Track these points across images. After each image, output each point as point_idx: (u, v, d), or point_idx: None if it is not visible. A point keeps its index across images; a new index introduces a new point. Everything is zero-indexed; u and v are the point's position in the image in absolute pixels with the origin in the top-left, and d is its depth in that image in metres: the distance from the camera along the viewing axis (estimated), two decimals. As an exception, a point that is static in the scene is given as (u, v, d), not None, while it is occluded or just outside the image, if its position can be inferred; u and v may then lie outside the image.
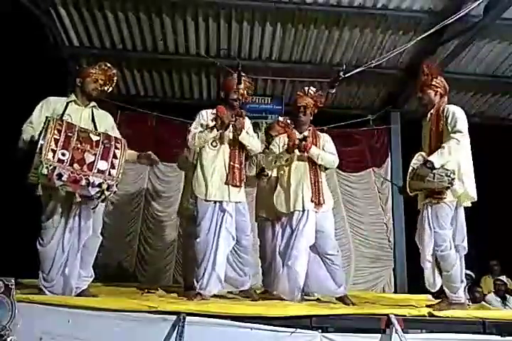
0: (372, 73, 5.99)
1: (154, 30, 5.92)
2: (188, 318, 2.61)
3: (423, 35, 5.01)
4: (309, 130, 3.91)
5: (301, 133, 3.87)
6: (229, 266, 3.59)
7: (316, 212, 3.67)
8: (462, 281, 3.26)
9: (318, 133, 3.98)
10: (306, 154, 3.73)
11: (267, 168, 4.20)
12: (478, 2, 4.64)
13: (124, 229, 6.43)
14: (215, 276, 3.44)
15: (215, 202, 3.55)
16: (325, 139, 3.92)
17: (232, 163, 3.61)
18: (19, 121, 3.11)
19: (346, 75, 4.92)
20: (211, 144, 3.62)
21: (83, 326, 2.65)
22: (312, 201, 3.66)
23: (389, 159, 7.02)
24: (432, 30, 4.87)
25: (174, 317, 2.64)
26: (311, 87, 3.95)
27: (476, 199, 3.31)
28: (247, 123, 3.78)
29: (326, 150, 3.82)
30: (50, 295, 3.04)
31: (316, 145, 3.78)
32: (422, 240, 3.31)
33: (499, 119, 7.45)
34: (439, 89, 3.39)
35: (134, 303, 2.81)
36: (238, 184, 3.59)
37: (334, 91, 4.69)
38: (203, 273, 3.44)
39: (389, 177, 6.93)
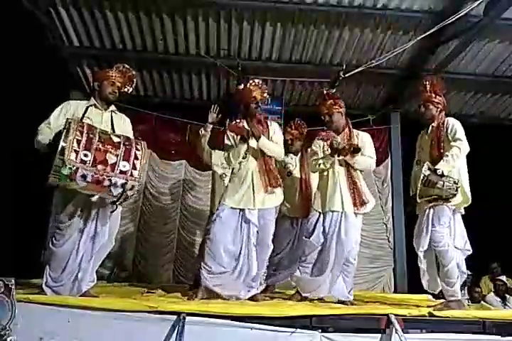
0: (372, 73, 6.00)
1: (154, 30, 5.92)
2: (188, 318, 2.60)
3: (423, 35, 5.03)
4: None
5: None
6: (240, 277, 3.53)
7: (355, 213, 3.67)
8: (459, 277, 3.33)
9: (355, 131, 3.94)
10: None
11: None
12: (478, 2, 4.65)
13: (122, 226, 6.41)
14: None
15: (239, 209, 3.56)
16: (363, 140, 3.86)
17: (265, 167, 3.60)
18: (19, 120, 3.11)
19: (346, 75, 4.94)
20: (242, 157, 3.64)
21: (83, 326, 2.65)
22: (353, 203, 3.65)
23: (389, 159, 7.03)
24: (432, 30, 4.89)
25: (174, 317, 2.63)
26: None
27: (470, 202, 3.45)
28: (273, 127, 3.75)
29: (364, 153, 3.75)
30: (51, 295, 3.04)
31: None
32: (418, 239, 3.42)
33: (499, 119, 7.44)
34: (440, 106, 3.56)
35: (134, 303, 2.81)
36: (275, 185, 3.59)
37: (334, 91, 4.69)
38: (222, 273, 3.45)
39: (389, 177, 6.95)
